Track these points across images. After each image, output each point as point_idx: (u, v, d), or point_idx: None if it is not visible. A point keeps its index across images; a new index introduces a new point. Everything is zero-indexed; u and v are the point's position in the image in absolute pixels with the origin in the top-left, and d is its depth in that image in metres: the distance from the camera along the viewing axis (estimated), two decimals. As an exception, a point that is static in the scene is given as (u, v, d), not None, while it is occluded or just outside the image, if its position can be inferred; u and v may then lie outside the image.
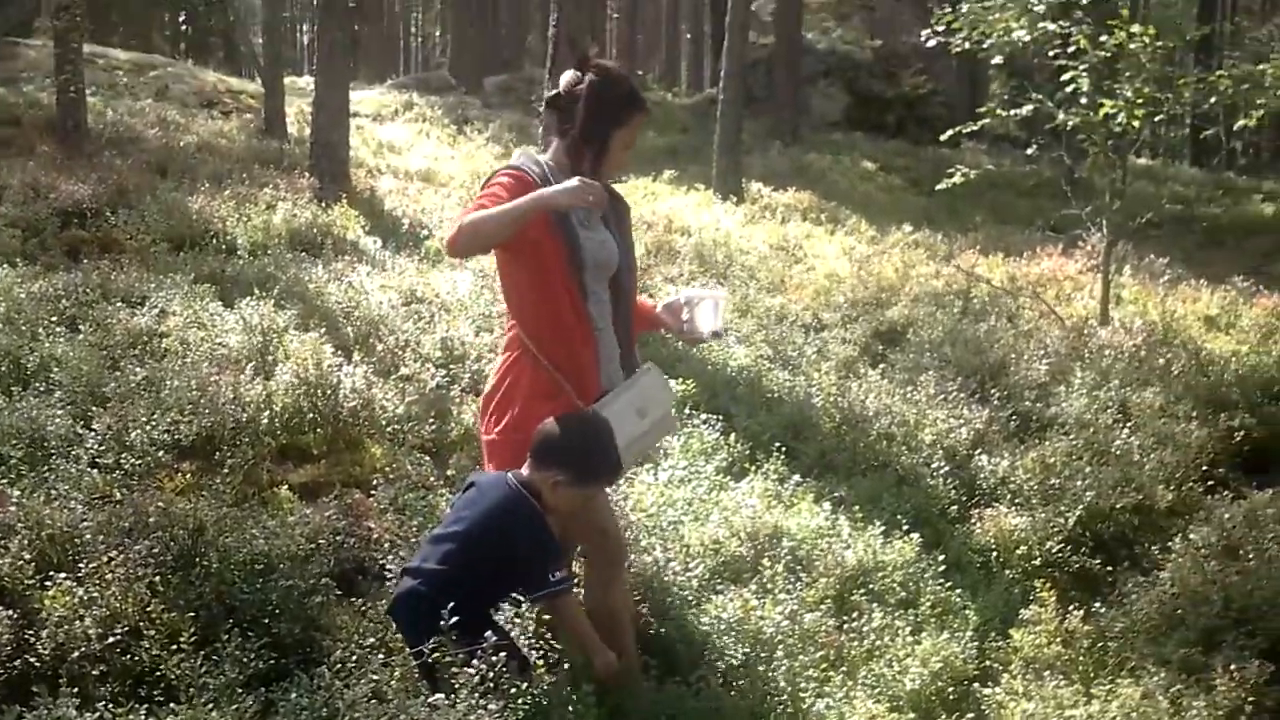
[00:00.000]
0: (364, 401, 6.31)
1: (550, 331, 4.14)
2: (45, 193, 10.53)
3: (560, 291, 4.14)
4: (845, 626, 4.95)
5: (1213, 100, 10.63)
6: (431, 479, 5.69)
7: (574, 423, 4.05)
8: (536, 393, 4.13)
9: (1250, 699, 4.31)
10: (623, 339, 4.34)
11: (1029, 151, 11.59)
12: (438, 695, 3.45)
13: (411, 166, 16.57)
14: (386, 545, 4.93)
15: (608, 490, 4.46)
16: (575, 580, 4.07)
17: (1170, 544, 5.95)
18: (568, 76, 4.29)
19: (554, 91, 4.32)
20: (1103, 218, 11.04)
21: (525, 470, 4.02)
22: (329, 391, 6.23)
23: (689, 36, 58.99)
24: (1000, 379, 8.37)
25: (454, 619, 3.53)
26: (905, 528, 5.81)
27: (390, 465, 5.78)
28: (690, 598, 4.87)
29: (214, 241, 9.93)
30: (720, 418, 7.13)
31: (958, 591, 5.43)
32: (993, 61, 11.46)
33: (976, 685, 4.78)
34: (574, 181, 3.96)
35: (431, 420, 6.36)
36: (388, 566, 4.63)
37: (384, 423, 6.29)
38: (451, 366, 7.21)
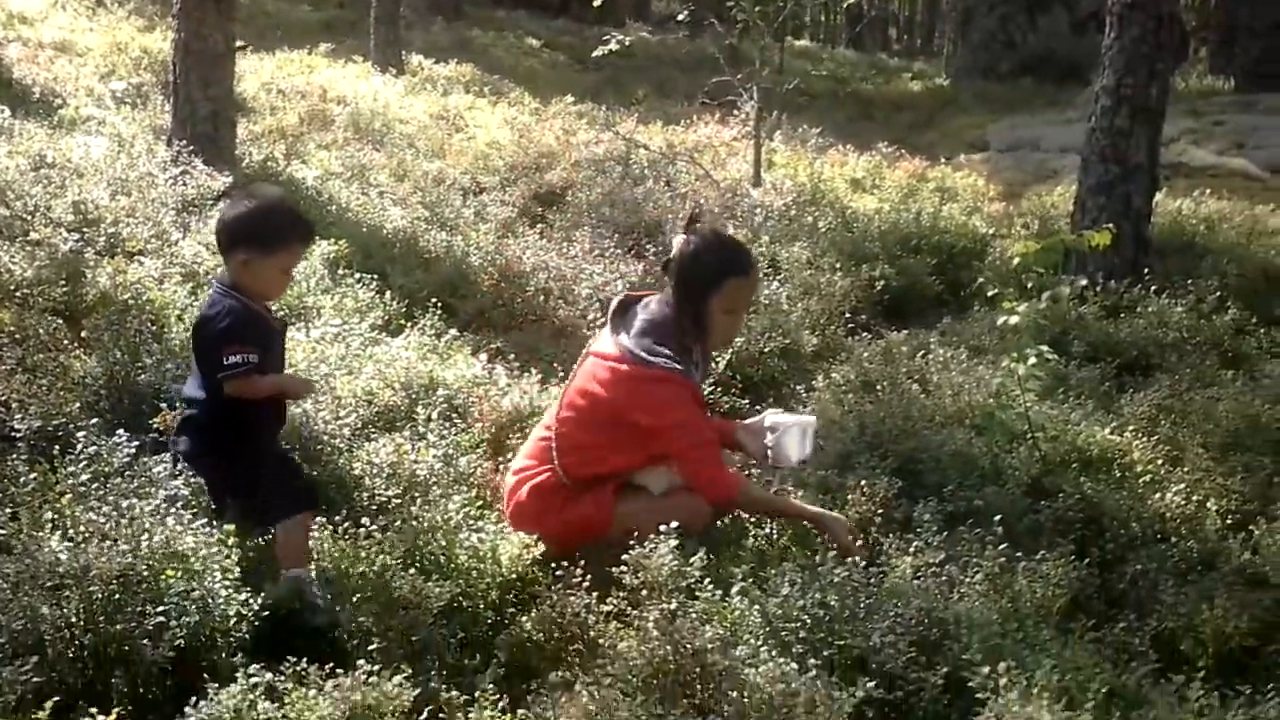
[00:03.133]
0: (-13, 266, 5.91)
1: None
2: None
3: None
4: (501, 468, 4.97)
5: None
6: (65, 341, 5.41)
7: (241, 199, 4.13)
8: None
9: (879, 511, 4.56)
10: None
11: (680, 18, 11.65)
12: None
13: (45, 38, 15.44)
14: (15, 406, 4.66)
15: None
16: (253, 364, 3.97)
17: (814, 383, 6.22)
18: (677, 241, 4.13)
19: (668, 258, 4.18)
20: (754, 84, 11.30)
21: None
22: (-54, 257, 5.78)
23: (348, -89, 57.13)
24: (656, 237, 8.49)
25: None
26: (561, 375, 5.84)
27: (18, 328, 5.45)
28: (342, 445, 4.78)
29: None
30: (376, 277, 7.01)
31: (610, 430, 5.49)
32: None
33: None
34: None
35: (64, 283, 6.00)
36: (15, 428, 4.42)
37: (11, 287, 5.91)
38: (86, 230, 6.81)
